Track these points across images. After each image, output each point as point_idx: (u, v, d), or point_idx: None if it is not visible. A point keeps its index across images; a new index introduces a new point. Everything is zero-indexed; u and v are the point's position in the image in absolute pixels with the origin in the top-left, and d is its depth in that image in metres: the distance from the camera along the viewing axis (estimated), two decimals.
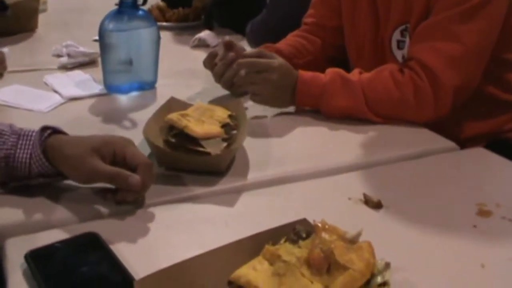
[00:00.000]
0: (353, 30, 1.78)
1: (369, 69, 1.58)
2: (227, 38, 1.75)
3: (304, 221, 0.96)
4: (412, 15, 1.58)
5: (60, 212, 1.13)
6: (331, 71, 1.56)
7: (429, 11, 1.54)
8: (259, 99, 1.58)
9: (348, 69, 1.67)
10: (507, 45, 1.60)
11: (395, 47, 1.66)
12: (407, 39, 1.62)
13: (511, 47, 1.64)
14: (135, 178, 1.11)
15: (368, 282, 0.84)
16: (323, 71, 1.59)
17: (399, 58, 1.65)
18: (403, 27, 1.63)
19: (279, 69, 1.54)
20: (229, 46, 1.70)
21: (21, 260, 0.97)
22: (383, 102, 1.52)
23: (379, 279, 0.84)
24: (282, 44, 1.86)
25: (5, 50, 1.96)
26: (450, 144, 1.47)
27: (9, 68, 1.73)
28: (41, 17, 2.71)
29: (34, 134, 1.16)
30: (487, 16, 1.48)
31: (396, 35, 1.64)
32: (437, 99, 1.47)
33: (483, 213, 1.18)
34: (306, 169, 1.31)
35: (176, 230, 1.09)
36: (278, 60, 1.56)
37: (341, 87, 1.53)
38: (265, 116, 1.59)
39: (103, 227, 1.06)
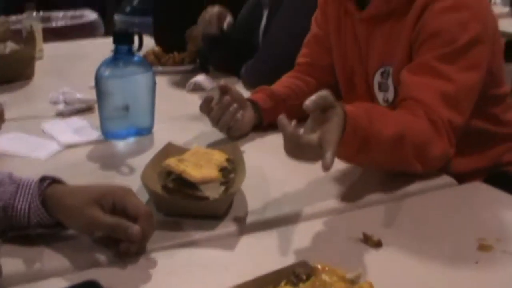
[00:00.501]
0: (343, 67, 1.79)
1: None
2: (222, 82, 1.77)
3: (303, 263, 0.96)
4: (394, 58, 1.59)
5: (60, 260, 1.13)
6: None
7: (412, 55, 1.55)
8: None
9: None
10: (492, 82, 1.61)
11: (377, 88, 1.66)
12: (389, 82, 1.62)
13: (496, 83, 1.65)
14: (135, 228, 1.11)
15: None
16: None
17: (380, 100, 1.65)
18: (382, 69, 1.63)
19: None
20: (224, 90, 1.71)
21: None
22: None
23: None
24: (277, 86, 1.87)
25: (3, 100, 1.97)
26: (448, 179, 1.48)
27: (7, 116, 1.74)
28: (38, 65, 2.72)
29: (33, 184, 1.17)
30: (474, 55, 1.49)
31: (377, 77, 1.65)
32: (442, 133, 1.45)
33: (484, 248, 1.18)
34: (304, 210, 1.31)
35: (176, 276, 1.09)
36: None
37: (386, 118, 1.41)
38: (262, 159, 1.58)
39: (103, 275, 1.05)
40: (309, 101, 1.12)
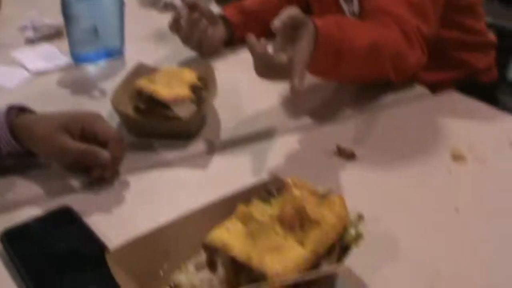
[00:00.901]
0: None
1: None
2: None
3: (274, 179, 0.95)
4: None
5: (32, 188, 1.12)
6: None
7: None
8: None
9: None
10: None
11: (342, 0, 1.63)
12: None
13: None
14: (104, 153, 1.10)
15: (342, 236, 0.83)
16: None
17: (347, 12, 1.61)
18: None
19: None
20: (192, 7, 1.68)
21: None
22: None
23: (352, 232, 0.84)
24: (248, 1, 1.84)
25: None
26: (422, 90, 1.47)
27: None
28: None
29: (0, 114, 1.14)
30: None
31: None
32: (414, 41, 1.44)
33: (457, 157, 1.18)
34: (278, 127, 1.31)
35: (149, 197, 1.09)
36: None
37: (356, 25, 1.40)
38: (235, 76, 1.56)
39: (76, 201, 1.05)
40: (278, 21, 1.08)
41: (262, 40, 1.12)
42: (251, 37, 1.11)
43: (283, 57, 1.09)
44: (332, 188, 0.89)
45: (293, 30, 1.12)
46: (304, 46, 1.10)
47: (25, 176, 1.16)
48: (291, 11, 1.10)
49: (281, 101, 1.43)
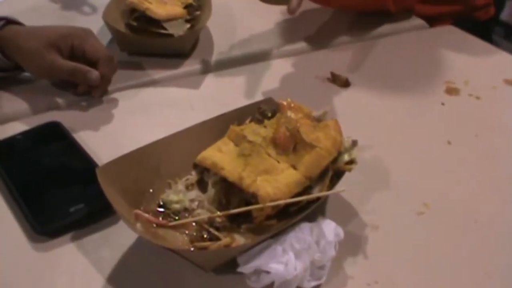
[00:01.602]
0: None
1: None
2: None
3: (269, 100, 0.94)
4: None
5: (19, 104, 1.10)
6: None
7: None
8: None
9: None
10: None
11: None
12: None
13: None
14: (94, 73, 1.08)
15: (335, 160, 0.83)
16: None
17: None
18: None
19: None
20: None
21: None
22: None
23: (346, 157, 0.83)
24: None
25: None
26: (419, 21, 1.45)
27: None
28: None
29: None
30: None
31: None
32: None
33: (451, 90, 1.17)
34: (271, 49, 1.29)
35: (140, 115, 1.08)
36: None
37: None
38: None
39: (63, 117, 1.04)
40: None
41: None
42: None
43: None
44: (326, 111, 0.88)
45: None
46: None
47: (12, 91, 1.13)
48: None
49: (276, 25, 1.40)
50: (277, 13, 1.40)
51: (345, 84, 1.16)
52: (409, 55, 1.31)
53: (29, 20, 1.17)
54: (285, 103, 0.87)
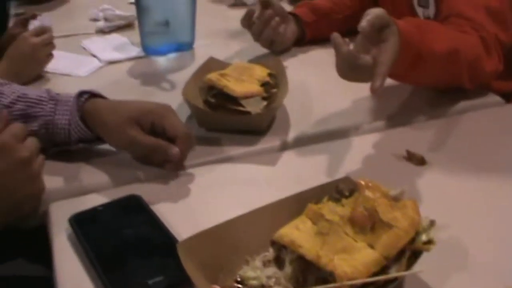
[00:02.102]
0: None
1: None
2: None
3: (346, 179, 0.94)
4: None
5: (101, 176, 1.14)
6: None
7: None
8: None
9: None
10: None
11: (416, 3, 1.60)
12: None
13: None
14: (174, 149, 1.11)
15: (412, 240, 0.82)
16: None
17: (421, 16, 1.58)
18: None
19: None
20: (265, 4, 1.68)
21: (65, 224, 0.98)
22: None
23: (424, 237, 0.83)
24: (320, 0, 1.83)
25: (47, 19, 1.95)
26: (496, 98, 1.44)
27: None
28: None
29: (72, 99, 1.16)
30: None
31: None
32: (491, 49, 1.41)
33: None
34: (348, 126, 1.29)
35: (217, 191, 1.09)
36: None
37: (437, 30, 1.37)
38: (305, 74, 1.55)
39: (144, 190, 1.06)
40: (366, 22, 1.07)
41: (347, 40, 1.11)
42: (337, 37, 1.10)
43: (368, 59, 1.08)
44: (404, 191, 0.88)
45: (378, 31, 1.11)
46: (389, 47, 1.09)
47: (93, 163, 1.18)
48: (378, 12, 1.09)
49: (352, 102, 1.41)
50: (353, 88, 1.41)
51: (421, 162, 1.15)
52: (486, 132, 1.30)
53: (111, 93, 1.22)
54: (362, 182, 0.87)
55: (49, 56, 1.66)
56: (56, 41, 1.74)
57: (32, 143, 0.99)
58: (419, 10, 1.60)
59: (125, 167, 1.16)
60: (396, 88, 1.42)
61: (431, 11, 1.55)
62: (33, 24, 1.85)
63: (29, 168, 0.97)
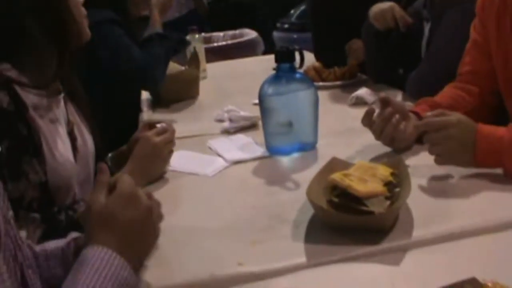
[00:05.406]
0: (504, 70, 1.73)
1: None
2: (383, 94, 1.76)
3: (473, 281, 0.94)
4: None
5: None
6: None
7: None
8: (441, 160, 1.51)
9: (508, 116, 1.63)
10: None
11: None
12: None
13: None
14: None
15: None
16: (483, 121, 1.55)
17: None
18: None
19: (458, 125, 1.48)
20: (385, 102, 1.71)
21: None
22: None
23: None
24: (439, 97, 1.85)
25: (173, 118, 2.04)
26: None
27: (176, 135, 1.81)
28: (202, 84, 2.84)
29: None
30: None
31: None
32: None
33: None
34: (474, 225, 1.27)
35: None
36: (456, 116, 1.50)
37: None
38: (428, 172, 1.55)
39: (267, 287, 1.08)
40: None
41: None
42: None
43: None
44: None
45: None
46: None
47: None
48: None
49: (477, 199, 1.40)
50: (478, 185, 1.40)
51: None
52: None
53: (237, 192, 1.31)
54: (490, 284, 0.87)
55: (170, 153, 1.75)
56: (183, 142, 1.83)
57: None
58: None
59: (248, 264, 1.19)
60: None
61: None
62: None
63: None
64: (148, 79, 2.40)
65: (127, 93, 2.52)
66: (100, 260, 0.98)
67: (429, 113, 1.55)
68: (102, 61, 2.27)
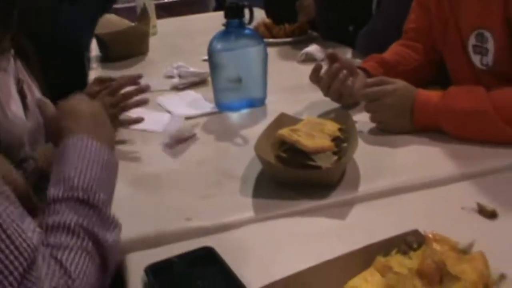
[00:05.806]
0: (440, 29, 1.75)
1: None
2: (330, 50, 1.77)
3: (415, 232, 0.96)
4: (490, 21, 1.52)
5: (176, 227, 1.18)
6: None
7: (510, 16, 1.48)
8: (381, 126, 1.56)
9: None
10: None
11: (471, 51, 1.60)
12: (489, 46, 1.54)
13: None
14: None
15: None
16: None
17: (477, 63, 1.59)
18: (477, 32, 1.57)
19: (394, 93, 1.52)
20: (333, 58, 1.72)
21: (141, 273, 1.02)
22: None
23: None
24: (387, 54, 1.86)
25: (120, 75, 2.01)
26: None
27: (124, 91, 1.79)
28: (152, 40, 2.81)
29: None
30: None
31: (472, 40, 1.59)
32: None
33: None
34: (417, 180, 1.30)
35: (288, 244, 1.11)
36: (395, 85, 1.53)
37: (464, 90, 1.48)
38: (375, 128, 1.58)
39: (217, 242, 1.09)
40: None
41: None
42: None
43: None
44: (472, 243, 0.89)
45: None
46: None
47: (168, 215, 1.22)
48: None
49: (421, 155, 1.43)
50: (422, 141, 1.42)
51: (492, 215, 1.15)
52: None
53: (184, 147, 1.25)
54: (430, 235, 0.89)
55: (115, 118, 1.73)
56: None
57: None
58: (476, 58, 1.59)
59: (197, 219, 1.20)
60: (465, 141, 1.43)
61: (490, 58, 1.55)
62: None
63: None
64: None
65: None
66: (80, 146, 1.01)
67: (369, 80, 1.59)
68: None
